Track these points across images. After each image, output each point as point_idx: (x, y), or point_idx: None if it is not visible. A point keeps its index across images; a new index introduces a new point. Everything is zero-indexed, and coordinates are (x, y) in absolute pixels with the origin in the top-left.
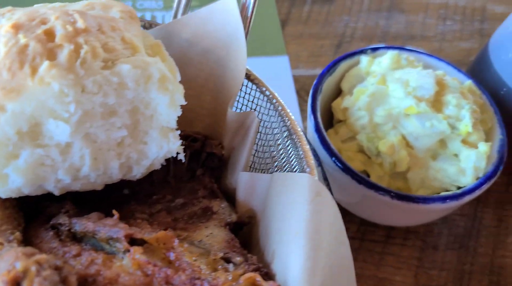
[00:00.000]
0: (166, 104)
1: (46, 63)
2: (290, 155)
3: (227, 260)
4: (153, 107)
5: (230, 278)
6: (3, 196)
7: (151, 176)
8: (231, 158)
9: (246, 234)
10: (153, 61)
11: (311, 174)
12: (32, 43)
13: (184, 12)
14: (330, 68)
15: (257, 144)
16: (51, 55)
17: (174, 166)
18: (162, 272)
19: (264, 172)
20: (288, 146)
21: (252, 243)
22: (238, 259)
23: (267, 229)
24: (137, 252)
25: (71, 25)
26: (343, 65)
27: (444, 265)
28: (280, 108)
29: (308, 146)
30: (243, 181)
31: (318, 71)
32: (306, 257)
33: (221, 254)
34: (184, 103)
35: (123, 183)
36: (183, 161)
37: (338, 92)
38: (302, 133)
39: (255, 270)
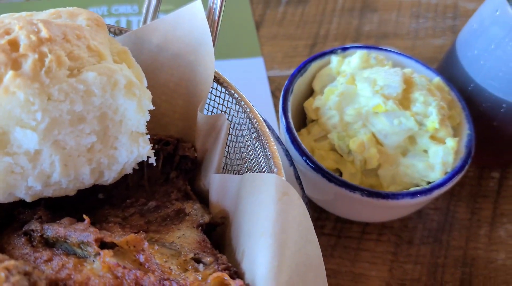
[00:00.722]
0: (134, 110)
1: (10, 73)
2: (259, 156)
3: (198, 261)
4: (122, 113)
5: (199, 278)
6: None
7: (126, 180)
8: (204, 160)
9: (219, 235)
10: (118, 68)
11: (278, 174)
12: None
13: (153, 17)
14: (301, 69)
15: (228, 146)
16: (15, 65)
17: (148, 170)
18: (132, 274)
19: (235, 173)
20: (256, 147)
21: (225, 243)
22: (208, 259)
23: (238, 229)
24: (107, 255)
25: (35, 35)
26: (314, 65)
27: (418, 259)
28: (248, 110)
29: (275, 147)
30: (215, 183)
31: (291, 71)
32: (272, 255)
33: (191, 255)
34: (151, 108)
35: (97, 188)
36: (155, 164)
37: (310, 92)
38: (270, 134)
39: (224, 270)
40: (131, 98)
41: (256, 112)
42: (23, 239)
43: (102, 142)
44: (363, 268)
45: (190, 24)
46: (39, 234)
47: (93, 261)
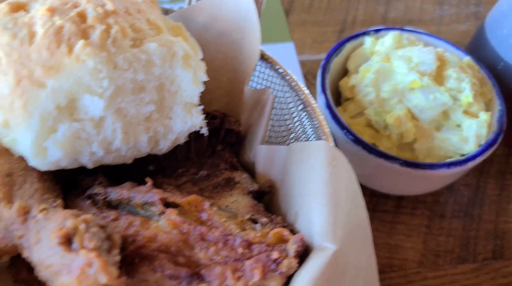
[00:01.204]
0: (190, 81)
1: (81, 42)
2: (306, 126)
3: (254, 221)
4: (178, 84)
5: (258, 234)
6: (43, 169)
7: (175, 153)
8: (248, 134)
9: (267, 202)
10: (177, 40)
11: (327, 141)
12: (67, 25)
13: None
14: (336, 49)
15: (273, 119)
16: (84, 35)
17: (195, 143)
18: (197, 230)
19: (280, 145)
20: (303, 118)
21: (273, 210)
22: (264, 220)
23: (288, 195)
24: (172, 214)
25: (101, 8)
26: (348, 46)
27: (451, 232)
28: (293, 83)
29: (322, 116)
30: (262, 154)
31: (323, 56)
32: (328, 213)
33: (248, 216)
34: (206, 79)
35: (148, 160)
36: (206, 134)
37: (343, 73)
38: (316, 105)
39: (283, 228)
40: (187, 69)
41: (301, 85)
42: (87, 202)
43: (159, 111)
44: (399, 240)
45: (236, 2)
46: (102, 197)
47: (158, 220)
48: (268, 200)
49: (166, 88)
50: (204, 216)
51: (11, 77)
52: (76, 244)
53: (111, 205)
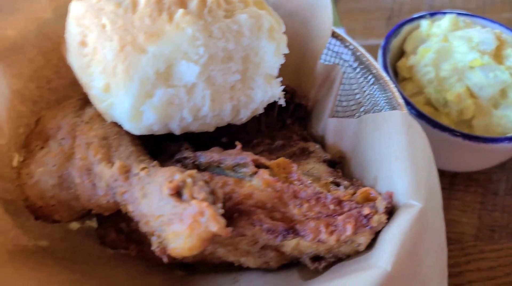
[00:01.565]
0: (273, 52)
1: (181, 11)
2: (378, 98)
3: (336, 184)
4: (261, 55)
5: (345, 194)
6: (136, 133)
7: (246, 126)
8: (315, 109)
9: None
10: (264, 13)
11: (401, 110)
12: None
13: None
14: (395, 31)
15: (340, 95)
16: (183, 4)
17: (265, 117)
18: (290, 188)
19: (349, 118)
20: (374, 91)
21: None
22: (345, 182)
23: (362, 162)
24: (265, 173)
25: None
26: (405, 29)
27: (505, 208)
28: (364, 59)
29: (395, 88)
30: (331, 127)
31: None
32: (410, 174)
33: (330, 179)
34: (287, 51)
35: (222, 132)
36: (284, 105)
37: (398, 55)
38: (388, 78)
39: None
40: (271, 41)
41: (372, 60)
42: (178, 165)
43: (242, 81)
44: (455, 215)
45: None
46: (191, 161)
47: (250, 179)
48: (338, 169)
49: (250, 59)
50: (294, 176)
51: (116, 43)
52: (186, 195)
53: (199, 168)
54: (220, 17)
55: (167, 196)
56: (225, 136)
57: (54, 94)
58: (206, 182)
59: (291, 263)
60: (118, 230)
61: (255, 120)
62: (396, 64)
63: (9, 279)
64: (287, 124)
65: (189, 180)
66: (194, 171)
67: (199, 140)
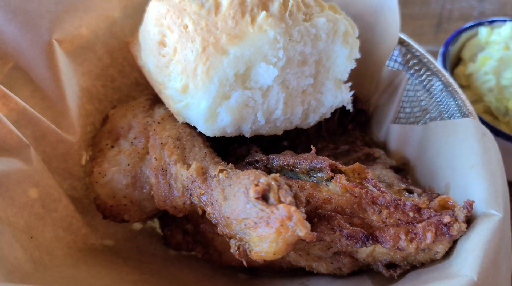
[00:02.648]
0: (345, 57)
1: (263, 13)
2: (448, 105)
3: (409, 191)
4: (333, 60)
5: (421, 202)
6: (210, 134)
7: (306, 131)
8: (376, 114)
9: None
10: (340, 18)
11: (473, 118)
12: None
13: None
14: (454, 38)
15: (403, 101)
16: (265, 6)
17: (325, 122)
18: (369, 194)
19: (413, 125)
20: (443, 98)
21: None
22: (418, 190)
23: (430, 169)
24: (342, 178)
25: None
26: (464, 36)
27: None
28: (432, 65)
29: (464, 96)
30: (395, 133)
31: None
32: (488, 184)
33: (403, 186)
34: (358, 57)
35: (282, 136)
36: (352, 110)
37: (455, 62)
38: (456, 85)
39: (436, 197)
40: (345, 45)
41: (440, 67)
42: (250, 168)
43: (313, 86)
44: None
45: None
46: (263, 164)
47: (327, 184)
48: (401, 175)
49: (323, 63)
50: (371, 182)
51: (198, 44)
52: (272, 199)
53: (271, 172)
54: (300, 20)
55: (253, 199)
56: (285, 140)
57: (117, 93)
58: (290, 186)
59: (361, 270)
60: (184, 231)
61: (316, 124)
62: (453, 71)
63: (85, 276)
64: (348, 129)
65: (274, 184)
66: (277, 175)
67: (260, 143)
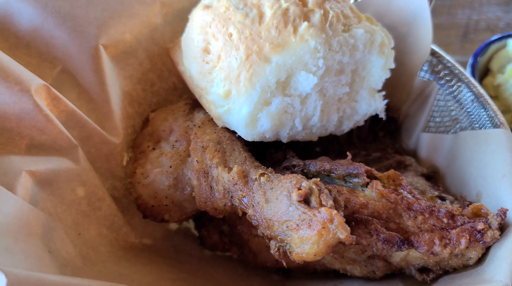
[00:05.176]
0: (380, 67)
1: (305, 24)
2: (479, 115)
3: (442, 198)
4: (368, 69)
5: (455, 209)
6: (249, 139)
7: (338, 137)
8: (405, 122)
9: None
10: (377, 29)
11: (505, 129)
12: (292, 7)
13: None
14: (483, 49)
15: (433, 110)
16: (306, 17)
17: (356, 129)
18: (404, 200)
19: (443, 133)
20: (474, 108)
21: None
22: (450, 197)
23: (461, 178)
24: (378, 184)
25: None
26: (492, 48)
27: None
28: (463, 76)
29: (495, 106)
30: (425, 142)
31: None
32: None
33: (436, 193)
34: (393, 67)
35: (314, 142)
36: (384, 119)
37: (483, 73)
38: (488, 96)
39: (469, 205)
40: (381, 56)
41: (471, 78)
42: (287, 173)
43: (348, 94)
44: None
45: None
46: (300, 169)
47: (363, 190)
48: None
49: (358, 72)
50: (406, 188)
51: (242, 52)
52: (314, 202)
53: (308, 176)
54: (339, 31)
55: (296, 202)
56: (318, 145)
57: (156, 97)
58: (329, 190)
59: (394, 273)
60: (220, 232)
61: (348, 131)
62: (481, 82)
63: (128, 273)
64: (379, 136)
65: (315, 188)
66: (317, 179)
67: (294, 148)
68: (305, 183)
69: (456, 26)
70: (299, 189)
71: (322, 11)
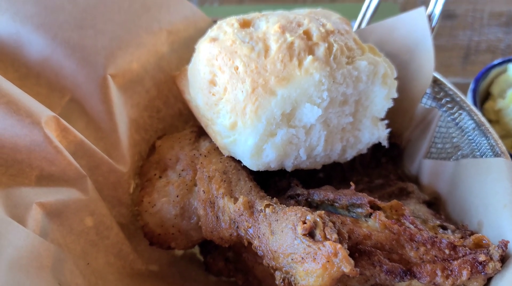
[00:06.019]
0: (383, 97)
1: (310, 57)
2: (480, 144)
3: (444, 227)
4: (372, 99)
5: (456, 239)
6: (255, 169)
7: (341, 163)
8: (408, 148)
9: None
10: (380, 60)
11: (506, 158)
12: (297, 41)
13: (369, 23)
14: (484, 74)
15: (435, 137)
16: (311, 50)
17: (359, 155)
18: (407, 231)
19: (444, 160)
20: (475, 136)
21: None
22: (452, 226)
23: (462, 206)
24: (381, 215)
25: (323, 27)
26: (493, 72)
27: None
28: (464, 105)
29: (497, 135)
30: (427, 168)
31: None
32: None
33: (438, 222)
34: (396, 96)
35: (319, 169)
36: (387, 147)
37: (484, 97)
38: (489, 125)
39: (470, 235)
40: (384, 86)
41: (472, 106)
42: (292, 202)
43: (351, 123)
44: None
45: (409, 27)
46: (304, 198)
47: (366, 220)
48: (433, 209)
49: (361, 102)
50: (408, 218)
51: (248, 85)
52: (318, 236)
53: (311, 206)
54: (343, 63)
55: (301, 235)
56: (321, 172)
57: (162, 123)
58: (333, 223)
59: None
60: (226, 259)
61: None
62: (482, 106)
63: None
64: (382, 162)
65: (320, 221)
66: (322, 212)
67: (298, 175)
68: (310, 216)
69: (457, 47)
70: (304, 222)
71: (326, 45)
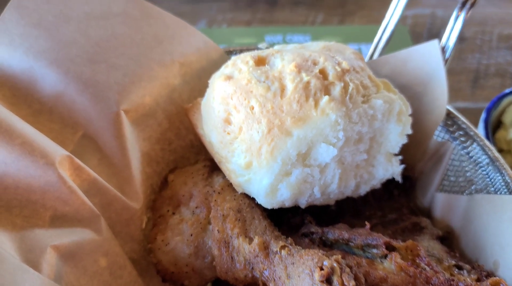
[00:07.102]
0: (398, 134)
1: (326, 98)
2: (493, 179)
3: (459, 267)
4: (386, 136)
5: (473, 282)
6: (269, 207)
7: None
8: (420, 181)
9: None
10: (395, 97)
11: None
12: (313, 81)
13: (381, 54)
14: (495, 103)
15: (448, 170)
16: (327, 90)
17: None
18: (423, 274)
19: (456, 194)
20: (489, 172)
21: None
22: (467, 266)
23: (476, 243)
24: (397, 256)
25: (338, 66)
26: (505, 101)
27: None
28: (478, 139)
29: (511, 171)
30: (439, 201)
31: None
32: None
33: (453, 262)
34: (410, 132)
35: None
36: (401, 182)
37: (496, 125)
38: (503, 161)
39: (487, 276)
40: (399, 124)
41: (486, 141)
42: (306, 240)
43: (365, 160)
44: None
45: (423, 59)
46: (319, 236)
47: (382, 261)
48: (446, 244)
49: (376, 139)
50: (424, 260)
51: (264, 125)
52: (336, 282)
53: (326, 244)
54: (359, 102)
55: (318, 282)
56: (333, 205)
57: (173, 155)
58: (350, 267)
59: None
60: None
61: None
62: (494, 135)
63: None
64: (394, 195)
65: (335, 264)
66: (339, 257)
67: (310, 208)
68: (327, 262)
69: (466, 71)
70: (321, 268)
71: (342, 84)
